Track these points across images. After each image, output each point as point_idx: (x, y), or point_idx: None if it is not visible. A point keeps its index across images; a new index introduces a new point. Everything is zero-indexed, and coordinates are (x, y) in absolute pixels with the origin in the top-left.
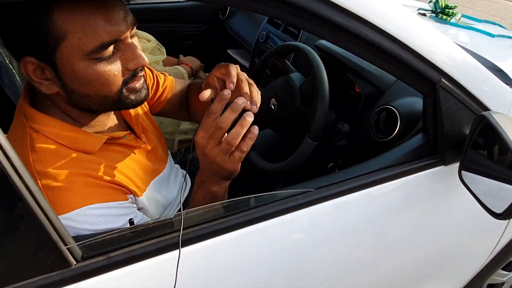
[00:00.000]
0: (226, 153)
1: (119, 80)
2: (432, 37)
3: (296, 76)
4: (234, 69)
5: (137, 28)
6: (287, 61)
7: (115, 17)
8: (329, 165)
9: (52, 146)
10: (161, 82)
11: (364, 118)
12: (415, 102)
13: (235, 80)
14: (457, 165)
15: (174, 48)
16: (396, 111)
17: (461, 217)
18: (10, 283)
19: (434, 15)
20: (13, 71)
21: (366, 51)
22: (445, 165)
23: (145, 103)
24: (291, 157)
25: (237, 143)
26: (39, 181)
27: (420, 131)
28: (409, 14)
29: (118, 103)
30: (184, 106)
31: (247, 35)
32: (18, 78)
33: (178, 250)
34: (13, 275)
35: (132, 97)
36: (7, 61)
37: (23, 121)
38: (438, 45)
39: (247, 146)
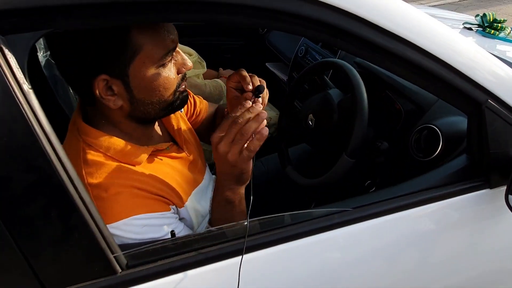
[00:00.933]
0: (236, 149)
1: (175, 83)
2: (476, 55)
3: (334, 92)
4: (243, 71)
5: (179, 43)
6: (326, 77)
7: (171, 27)
8: (366, 183)
9: (103, 159)
10: (198, 103)
11: (404, 136)
12: (459, 121)
13: (249, 80)
14: (503, 188)
15: (214, 61)
16: (438, 131)
17: (507, 243)
18: (62, 286)
19: (481, 29)
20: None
21: (406, 71)
22: (491, 188)
23: (186, 118)
24: (328, 173)
25: (248, 135)
26: (90, 193)
27: (463, 152)
28: (451, 31)
29: (172, 105)
30: (212, 129)
31: (285, 49)
32: (71, 91)
33: (213, 264)
34: (65, 279)
35: (180, 99)
36: None
37: (77, 135)
38: (483, 63)
39: (254, 146)
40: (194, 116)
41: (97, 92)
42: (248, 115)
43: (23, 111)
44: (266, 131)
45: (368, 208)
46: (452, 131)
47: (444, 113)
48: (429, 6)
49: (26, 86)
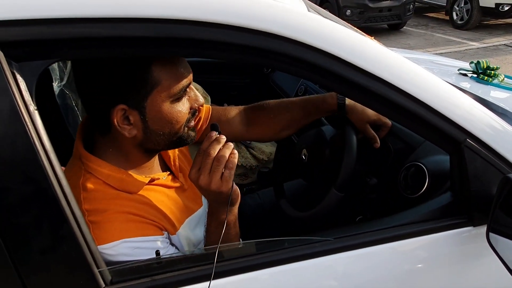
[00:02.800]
0: (217, 176)
1: (185, 118)
2: (455, 96)
3: (327, 129)
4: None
5: None
6: None
7: (187, 66)
8: (357, 218)
9: (101, 187)
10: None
11: (393, 173)
12: (445, 160)
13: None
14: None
15: (220, 97)
16: (424, 168)
17: (491, 283)
18: None
19: (475, 75)
20: (78, 112)
21: (390, 111)
22: (474, 226)
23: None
24: (317, 207)
25: (225, 161)
26: (86, 217)
27: (448, 190)
28: (430, 74)
29: (180, 139)
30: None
31: (287, 88)
32: (80, 119)
33: (201, 284)
34: None
35: (191, 134)
36: (74, 104)
37: (78, 162)
38: (461, 103)
39: (232, 163)
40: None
41: (115, 121)
42: (218, 145)
43: (27, 128)
44: (236, 153)
45: (349, 238)
46: (438, 169)
47: (431, 152)
48: (434, 53)
49: (32, 107)
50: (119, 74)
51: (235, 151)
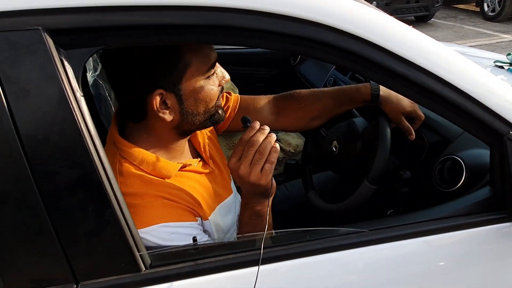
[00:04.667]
0: (257, 168)
1: (217, 94)
2: (499, 88)
3: (359, 120)
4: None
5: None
6: None
7: (211, 45)
8: (389, 212)
9: (136, 171)
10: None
11: (428, 167)
12: (483, 154)
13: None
14: None
15: (247, 89)
16: (461, 162)
17: None
18: (91, 278)
19: None
20: (110, 102)
21: (429, 101)
22: None
23: (213, 130)
24: (349, 199)
25: (267, 154)
26: None
27: (487, 184)
28: (474, 65)
29: (212, 118)
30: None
31: (315, 80)
32: (113, 109)
33: (232, 272)
34: (94, 271)
35: (220, 112)
36: (107, 94)
37: (114, 148)
38: (505, 95)
39: (273, 157)
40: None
41: (155, 106)
42: (262, 136)
43: (74, 114)
44: (278, 147)
45: (385, 230)
46: (476, 163)
47: (468, 145)
48: (465, 46)
49: (78, 93)
50: (152, 59)
51: (277, 145)
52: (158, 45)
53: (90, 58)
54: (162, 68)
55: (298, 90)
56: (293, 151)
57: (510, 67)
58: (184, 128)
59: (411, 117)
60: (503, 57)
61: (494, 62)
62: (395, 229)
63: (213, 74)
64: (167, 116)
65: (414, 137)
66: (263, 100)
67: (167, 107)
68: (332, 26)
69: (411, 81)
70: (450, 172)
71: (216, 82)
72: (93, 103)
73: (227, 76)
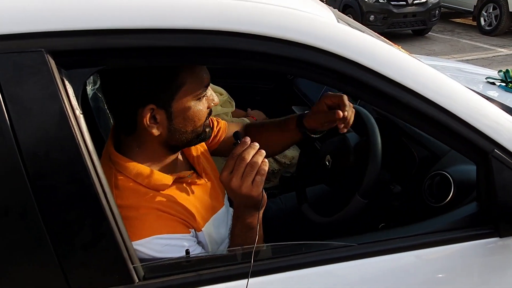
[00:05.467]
0: (248, 180)
1: (205, 116)
2: (483, 107)
3: (352, 135)
4: (346, 99)
5: (212, 83)
6: None
7: (206, 68)
8: (380, 226)
9: (131, 184)
10: (215, 124)
11: (418, 182)
12: (472, 170)
13: (347, 109)
14: None
15: (244, 102)
16: (450, 177)
17: None
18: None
19: (503, 84)
20: (109, 115)
21: (417, 120)
22: (500, 237)
23: (204, 144)
24: (340, 212)
25: (257, 167)
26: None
27: (474, 200)
28: (459, 84)
29: (200, 136)
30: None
31: (311, 94)
32: (112, 122)
33: (224, 284)
34: (88, 283)
35: (207, 130)
36: (105, 107)
37: (109, 162)
38: (489, 113)
39: (264, 170)
40: (212, 137)
41: (145, 120)
42: (253, 151)
43: (73, 131)
44: (267, 161)
45: (373, 245)
46: (464, 178)
47: (457, 161)
48: (460, 60)
49: (78, 111)
50: (149, 76)
51: (266, 160)
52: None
53: None
54: (157, 85)
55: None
56: (288, 162)
57: (501, 83)
58: (171, 144)
59: (335, 105)
60: (495, 74)
61: (486, 78)
62: (383, 243)
63: (204, 96)
64: (155, 131)
65: (348, 127)
66: (237, 127)
67: (156, 122)
68: (323, 48)
69: (398, 101)
70: (439, 187)
71: (205, 104)
72: (92, 116)
73: (216, 100)
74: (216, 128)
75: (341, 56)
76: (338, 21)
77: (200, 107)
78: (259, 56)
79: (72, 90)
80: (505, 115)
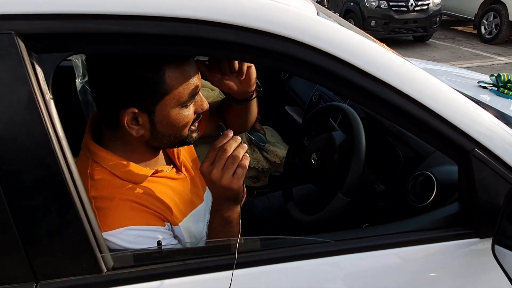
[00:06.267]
0: (229, 173)
1: (191, 121)
2: (464, 105)
3: (338, 134)
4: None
5: (203, 79)
6: (331, 120)
7: (198, 74)
8: (364, 225)
9: (107, 176)
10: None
11: (402, 181)
12: (456, 171)
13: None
14: None
15: None
16: (433, 177)
17: None
18: (52, 277)
19: (495, 88)
20: None
21: (397, 117)
22: (481, 238)
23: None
24: (323, 211)
25: (239, 159)
26: (93, 204)
27: (456, 201)
28: (439, 82)
29: (184, 141)
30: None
31: (303, 94)
32: None
33: (192, 276)
34: (54, 271)
35: (193, 135)
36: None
37: (87, 153)
38: (470, 113)
39: (245, 163)
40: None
41: (125, 121)
42: (235, 144)
43: (42, 116)
44: (248, 156)
45: (350, 242)
46: (447, 179)
47: (442, 161)
48: (460, 67)
49: (48, 96)
50: (134, 78)
51: (247, 154)
52: (143, 65)
53: (80, 65)
54: (141, 88)
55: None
56: (279, 162)
57: (493, 87)
58: (154, 145)
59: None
60: (486, 78)
61: (478, 82)
62: (360, 241)
63: (191, 103)
64: (135, 132)
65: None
66: (215, 105)
67: (137, 124)
68: (313, 45)
69: (378, 96)
70: (422, 187)
71: (192, 110)
72: (81, 109)
73: (206, 106)
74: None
75: (317, 48)
76: (318, 15)
77: (185, 113)
78: (232, 45)
79: (42, 74)
80: (486, 114)
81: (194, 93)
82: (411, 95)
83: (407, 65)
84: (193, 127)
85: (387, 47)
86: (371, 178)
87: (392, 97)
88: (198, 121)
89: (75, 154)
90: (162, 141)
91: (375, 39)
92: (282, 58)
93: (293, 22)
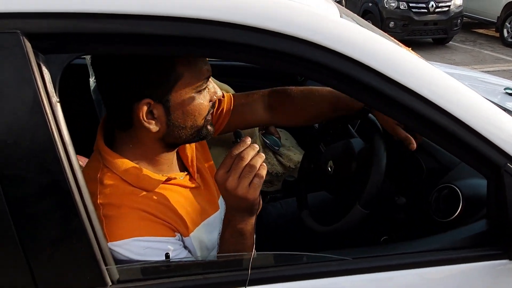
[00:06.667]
0: (246, 182)
1: (207, 110)
2: (497, 118)
3: (356, 141)
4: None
5: (219, 81)
6: (349, 126)
7: (205, 59)
8: (382, 238)
9: (117, 182)
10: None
11: (424, 194)
12: (483, 184)
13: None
14: None
15: None
16: (458, 191)
17: None
18: None
19: None
20: None
21: (425, 128)
22: (510, 259)
23: (205, 143)
24: (340, 222)
25: (257, 168)
26: (100, 211)
27: (484, 217)
28: (471, 92)
29: (200, 133)
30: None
31: None
32: None
33: None
34: (57, 283)
35: (209, 127)
36: None
37: (98, 157)
38: (503, 126)
39: (262, 172)
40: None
41: (141, 115)
42: (253, 152)
43: (47, 120)
44: (265, 166)
45: (370, 260)
46: (474, 193)
47: (468, 174)
48: (481, 71)
49: (54, 99)
50: (144, 68)
51: (265, 164)
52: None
53: None
54: (152, 77)
55: (294, 88)
56: (293, 166)
57: None
58: (169, 141)
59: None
60: None
61: (505, 89)
62: (381, 259)
63: (205, 88)
64: (153, 127)
65: (415, 146)
66: (256, 96)
67: (153, 118)
68: (334, 50)
69: (405, 106)
70: (447, 201)
71: (207, 97)
72: (94, 108)
73: (219, 92)
74: (220, 108)
75: (341, 53)
76: (341, 16)
77: (200, 100)
78: (251, 49)
79: (49, 75)
80: None
81: (206, 76)
82: (440, 105)
83: (436, 72)
84: (209, 117)
85: (412, 51)
86: (390, 189)
87: (419, 107)
88: (217, 111)
89: (87, 154)
90: (178, 134)
91: (396, 41)
92: (302, 63)
93: (315, 24)
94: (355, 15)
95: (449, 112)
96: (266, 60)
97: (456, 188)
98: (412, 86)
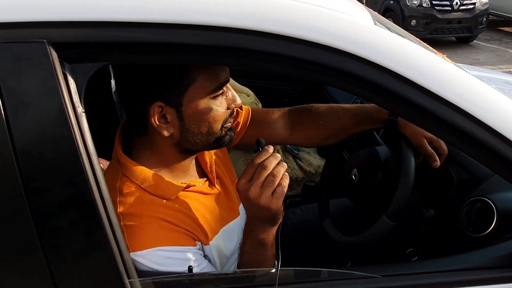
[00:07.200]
0: (269, 191)
1: (223, 117)
2: None
3: (382, 149)
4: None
5: (239, 83)
6: (375, 133)
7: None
8: (408, 251)
9: (136, 191)
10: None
11: (454, 207)
12: None
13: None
14: None
15: (271, 104)
16: (493, 205)
17: None
18: None
19: None
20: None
21: (456, 139)
22: None
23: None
24: (365, 233)
25: (280, 177)
26: (121, 221)
27: None
28: (507, 99)
29: (218, 140)
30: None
31: (342, 99)
32: None
33: None
34: None
35: (228, 135)
36: None
37: (116, 164)
38: None
39: (285, 182)
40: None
41: (153, 119)
42: (275, 161)
43: (72, 131)
44: (288, 176)
45: (400, 278)
46: (509, 208)
47: (502, 187)
48: (507, 71)
49: (80, 109)
50: (157, 71)
51: (287, 173)
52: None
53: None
54: (165, 80)
55: (316, 105)
56: (313, 171)
57: None
58: (186, 147)
59: (434, 146)
60: None
61: None
62: (410, 278)
63: (221, 94)
64: (165, 132)
65: (438, 163)
66: (276, 114)
67: (166, 122)
68: (359, 55)
69: (436, 116)
70: (479, 215)
71: (224, 104)
72: (115, 110)
73: (238, 101)
74: (236, 120)
75: (375, 63)
76: (375, 24)
77: (215, 106)
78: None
79: (74, 85)
80: None
81: (222, 81)
82: (475, 114)
83: (473, 80)
84: (227, 124)
85: (447, 58)
86: (419, 201)
87: (451, 116)
88: (232, 118)
89: (108, 157)
90: (194, 141)
91: (431, 47)
92: (333, 73)
93: (347, 32)
94: (386, 20)
95: (483, 121)
96: (301, 71)
97: (490, 202)
98: (443, 94)
